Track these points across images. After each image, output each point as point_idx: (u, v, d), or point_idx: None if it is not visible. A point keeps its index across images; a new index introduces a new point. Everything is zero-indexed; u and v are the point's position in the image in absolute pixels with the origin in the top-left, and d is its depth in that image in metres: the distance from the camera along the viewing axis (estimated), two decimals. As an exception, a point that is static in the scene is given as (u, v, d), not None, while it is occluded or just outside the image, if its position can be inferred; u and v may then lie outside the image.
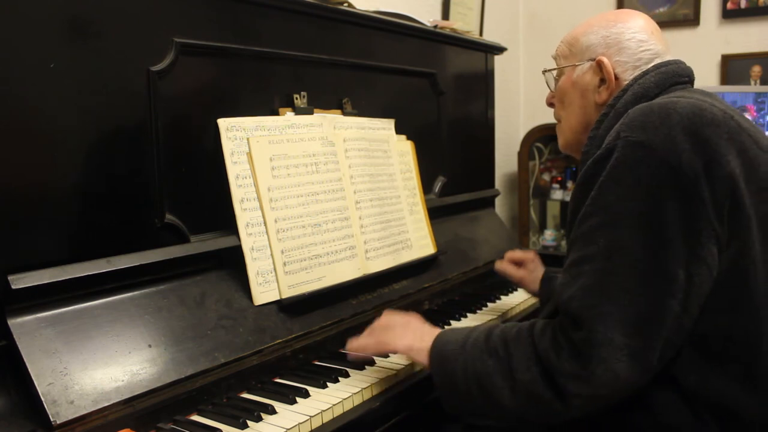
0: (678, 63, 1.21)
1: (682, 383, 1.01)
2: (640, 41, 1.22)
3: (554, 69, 1.34)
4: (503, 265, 1.78)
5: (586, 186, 1.07)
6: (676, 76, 1.18)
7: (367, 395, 1.22)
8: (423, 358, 1.19)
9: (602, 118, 1.19)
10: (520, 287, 1.81)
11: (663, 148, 0.98)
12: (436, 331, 1.23)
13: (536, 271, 1.72)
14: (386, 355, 1.35)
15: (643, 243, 0.98)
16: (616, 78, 1.22)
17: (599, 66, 1.22)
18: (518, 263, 1.78)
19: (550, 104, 1.37)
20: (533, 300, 1.84)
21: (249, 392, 1.21)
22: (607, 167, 1.02)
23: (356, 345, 1.29)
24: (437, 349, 1.17)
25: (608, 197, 1.02)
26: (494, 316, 1.69)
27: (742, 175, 1.00)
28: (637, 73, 1.20)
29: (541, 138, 3.40)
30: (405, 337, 1.24)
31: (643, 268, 0.97)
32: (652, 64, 1.21)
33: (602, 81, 1.23)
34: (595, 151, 1.14)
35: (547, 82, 1.38)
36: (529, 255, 1.78)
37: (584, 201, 1.06)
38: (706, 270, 0.98)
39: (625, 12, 1.27)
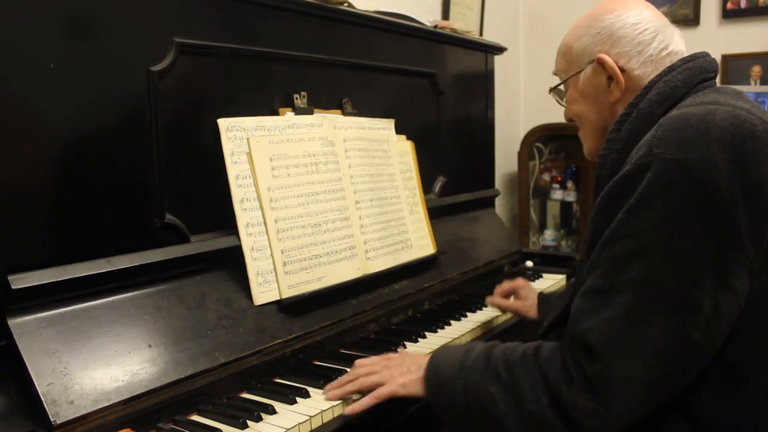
0: (704, 56, 1.14)
1: (696, 411, 0.97)
2: (634, 24, 1.14)
3: (559, 85, 1.28)
4: (495, 300, 1.68)
5: (613, 204, 0.99)
6: (704, 72, 1.10)
7: (367, 395, 1.22)
8: (418, 389, 1.13)
9: (623, 119, 1.11)
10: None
11: (701, 168, 0.91)
12: (421, 357, 1.17)
13: (529, 297, 1.64)
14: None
15: (674, 274, 0.91)
16: (623, 70, 1.14)
17: (601, 64, 1.15)
18: (510, 293, 1.70)
19: (569, 119, 1.29)
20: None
21: (249, 392, 1.21)
22: (639, 188, 0.95)
23: (340, 393, 1.17)
24: (432, 374, 1.11)
25: (638, 222, 0.94)
26: (495, 316, 1.69)
27: None
28: (642, 58, 1.13)
29: (541, 138, 3.39)
30: (393, 376, 1.15)
31: (672, 301, 0.92)
32: (656, 42, 1.14)
33: (610, 78, 1.16)
34: (614, 156, 1.09)
35: (557, 101, 1.32)
36: (518, 283, 1.69)
37: (608, 220, 0.99)
38: (734, 300, 0.92)
39: (608, 2, 1.19)
